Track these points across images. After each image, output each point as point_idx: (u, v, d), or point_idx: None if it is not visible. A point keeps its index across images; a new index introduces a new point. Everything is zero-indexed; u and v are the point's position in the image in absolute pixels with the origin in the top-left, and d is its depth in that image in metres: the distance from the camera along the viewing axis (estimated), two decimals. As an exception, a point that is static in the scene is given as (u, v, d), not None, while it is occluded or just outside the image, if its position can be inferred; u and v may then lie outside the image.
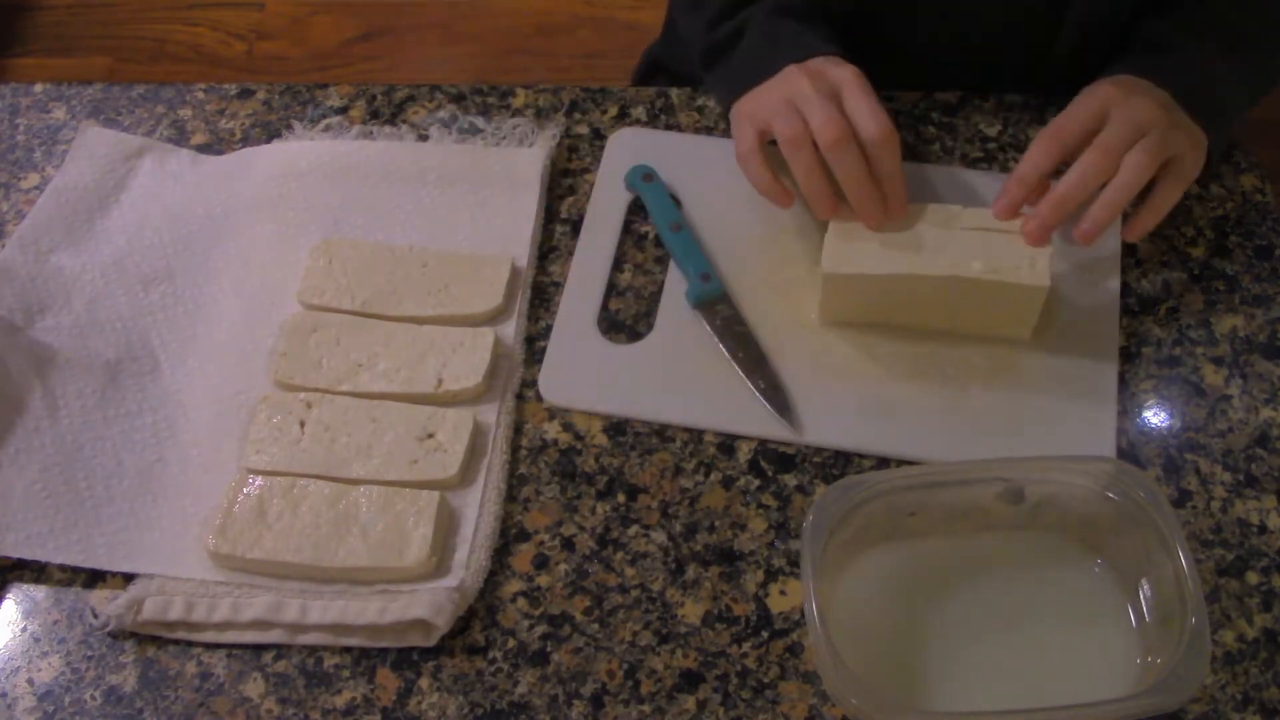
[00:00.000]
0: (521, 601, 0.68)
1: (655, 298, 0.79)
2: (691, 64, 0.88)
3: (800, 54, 0.78)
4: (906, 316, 0.76)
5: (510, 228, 0.82)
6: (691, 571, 0.69)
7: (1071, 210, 0.72)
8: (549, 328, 0.78)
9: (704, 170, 0.84)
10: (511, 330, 0.78)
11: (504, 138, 0.86)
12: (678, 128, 0.87)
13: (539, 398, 0.75)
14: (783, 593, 0.68)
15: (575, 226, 0.83)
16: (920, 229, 0.74)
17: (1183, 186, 0.75)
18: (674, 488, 0.72)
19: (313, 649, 0.67)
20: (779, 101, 0.76)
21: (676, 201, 0.83)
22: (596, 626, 0.68)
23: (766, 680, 0.66)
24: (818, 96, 0.74)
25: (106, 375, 0.76)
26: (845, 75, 0.75)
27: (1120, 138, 0.73)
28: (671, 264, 0.80)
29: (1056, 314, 0.76)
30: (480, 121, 0.87)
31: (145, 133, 0.89)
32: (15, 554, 0.69)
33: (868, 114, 0.73)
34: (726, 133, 0.86)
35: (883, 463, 0.72)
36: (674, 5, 0.94)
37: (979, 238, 0.73)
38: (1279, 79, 0.83)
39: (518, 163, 0.84)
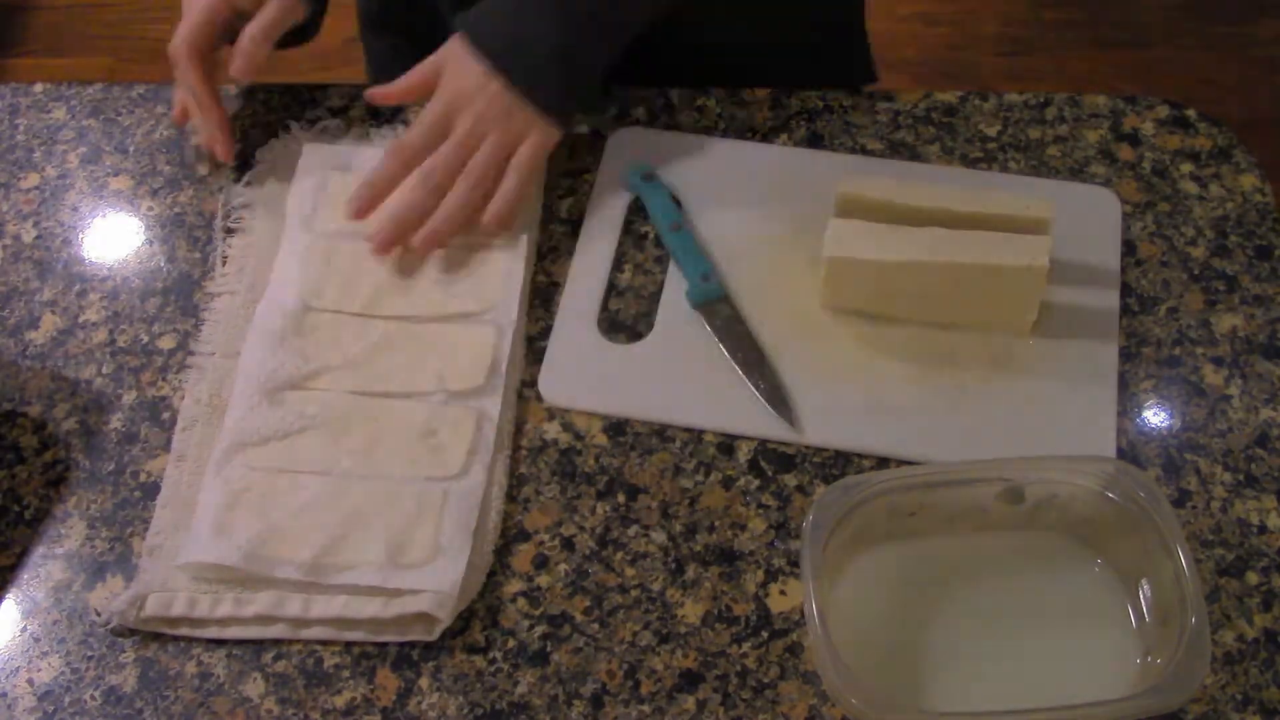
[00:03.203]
0: (521, 601, 0.68)
1: (655, 298, 0.79)
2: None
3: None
4: (908, 308, 0.76)
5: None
6: (691, 571, 0.69)
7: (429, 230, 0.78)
8: (549, 328, 0.78)
9: (704, 170, 0.84)
10: (511, 330, 0.78)
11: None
12: (678, 128, 0.87)
13: (539, 398, 0.75)
14: (783, 593, 0.68)
15: (575, 226, 0.83)
16: (924, 219, 0.74)
17: (521, 175, 0.79)
18: (674, 488, 0.72)
19: (313, 649, 0.67)
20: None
21: (677, 201, 0.83)
22: (596, 626, 0.68)
23: (766, 680, 0.66)
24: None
25: None
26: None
27: (450, 160, 0.78)
28: (671, 264, 0.80)
29: (1056, 314, 0.76)
30: (480, 121, 0.87)
31: (145, 133, 0.89)
32: None
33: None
34: (727, 132, 0.86)
35: (883, 463, 0.72)
36: None
37: (979, 229, 0.73)
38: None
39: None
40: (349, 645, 0.67)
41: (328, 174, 0.84)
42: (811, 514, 0.62)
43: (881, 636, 0.66)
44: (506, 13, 0.79)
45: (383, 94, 0.82)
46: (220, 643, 0.68)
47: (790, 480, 0.72)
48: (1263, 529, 0.69)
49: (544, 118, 0.79)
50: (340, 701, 0.66)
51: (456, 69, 0.79)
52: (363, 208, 0.79)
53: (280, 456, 0.72)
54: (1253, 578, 0.67)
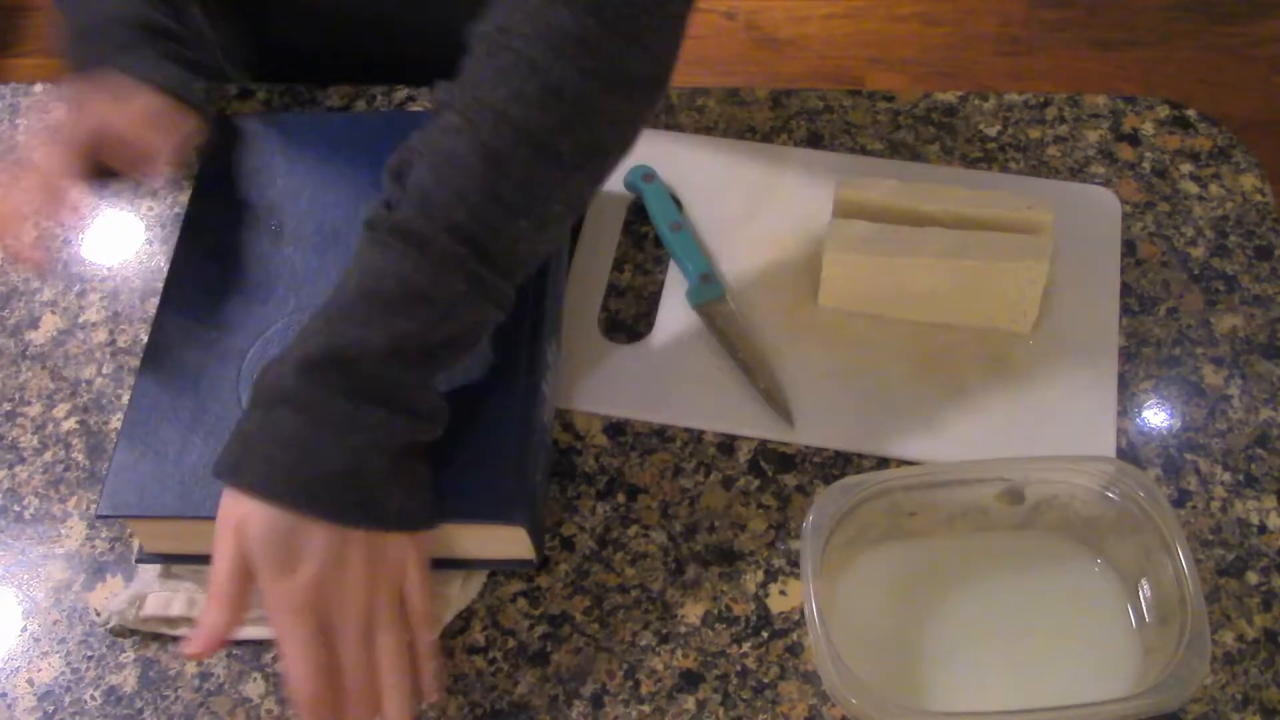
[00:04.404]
0: (521, 601, 0.68)
1: (655, 298, 0.79)
2: None
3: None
4: (908, 308, 0.76)
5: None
6: (691, 571, 0.69)
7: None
8: (549, 328, 0.78)
9: (704, 170, 0.84)
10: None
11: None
12: (678, 128, 0.87)
13: (539, 398, 0.75)
14: (783, 593, 0.68)
15: (575, 227, 0.83)
16: (923, 220, 0.74)
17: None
18: (674, 488, 0.72)
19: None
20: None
21: (676, 201, 0.83)
22: (596, 626, 0.68)
23: (766, 680, 0.66)
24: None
25: None
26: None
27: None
28: (671, 264, 0.80)
29: (1056, 314, 0.76)
30: (480, 121, 0.87)
31: (145, 133, 0.89)
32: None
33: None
34: (726, 133, 0.86)
35: (883, 463, 0.72)
36: None
37: (979, 229, 0.73)
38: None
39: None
40: (349, 645, 0.67)
41: None
42: (811, 514, 0.62)
43: (881, 636, 0.66)
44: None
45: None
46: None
47: (790, 480, 0.72)
48: (1263, 529, 0.69)
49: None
50: (340, 701, 0.66)
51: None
52: None
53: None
54: (1253, 578, 0.67)
